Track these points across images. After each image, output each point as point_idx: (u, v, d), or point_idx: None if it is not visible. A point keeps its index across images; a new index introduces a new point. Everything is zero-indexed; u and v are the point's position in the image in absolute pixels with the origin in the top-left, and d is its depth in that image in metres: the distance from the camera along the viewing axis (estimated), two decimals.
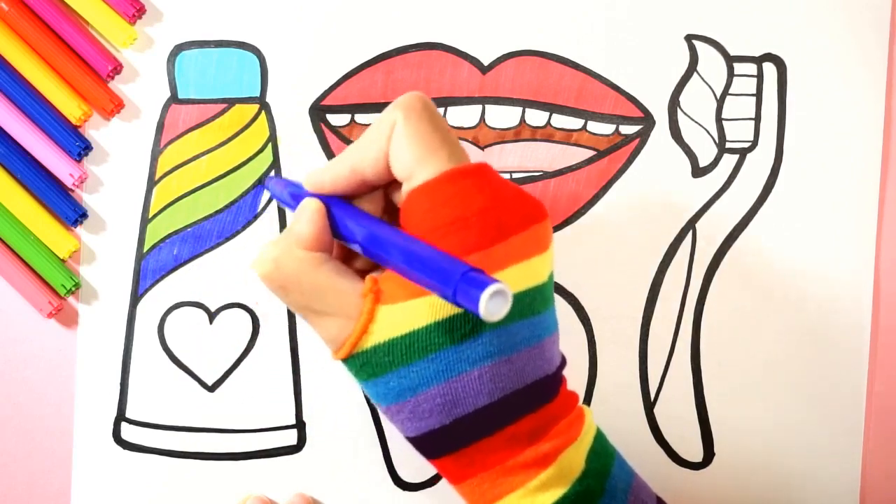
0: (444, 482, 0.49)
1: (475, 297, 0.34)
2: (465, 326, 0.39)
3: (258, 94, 0.53)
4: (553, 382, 0.41)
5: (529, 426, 0.40)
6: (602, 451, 0.42)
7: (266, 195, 0.53)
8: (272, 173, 0.53)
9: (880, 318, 0.55)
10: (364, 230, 0.40)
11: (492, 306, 0.34)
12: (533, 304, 0.40)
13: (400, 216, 0.41)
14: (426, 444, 0.41)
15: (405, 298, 0.39)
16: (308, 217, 0.41)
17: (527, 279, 0.40)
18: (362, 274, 0.42)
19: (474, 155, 0.53)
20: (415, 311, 0.39)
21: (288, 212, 0.53)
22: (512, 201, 0.40)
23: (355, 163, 0.41)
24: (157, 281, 0.53)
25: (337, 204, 0.42)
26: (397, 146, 0.40)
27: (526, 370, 0.40)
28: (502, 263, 0.39)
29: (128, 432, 0.54)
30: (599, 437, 0.43)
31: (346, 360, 0.41)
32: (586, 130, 0.54)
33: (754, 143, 0.54)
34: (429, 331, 0.39)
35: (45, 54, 0.52)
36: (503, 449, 0.40)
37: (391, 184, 0.42)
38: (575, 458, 0.41)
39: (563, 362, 0.43)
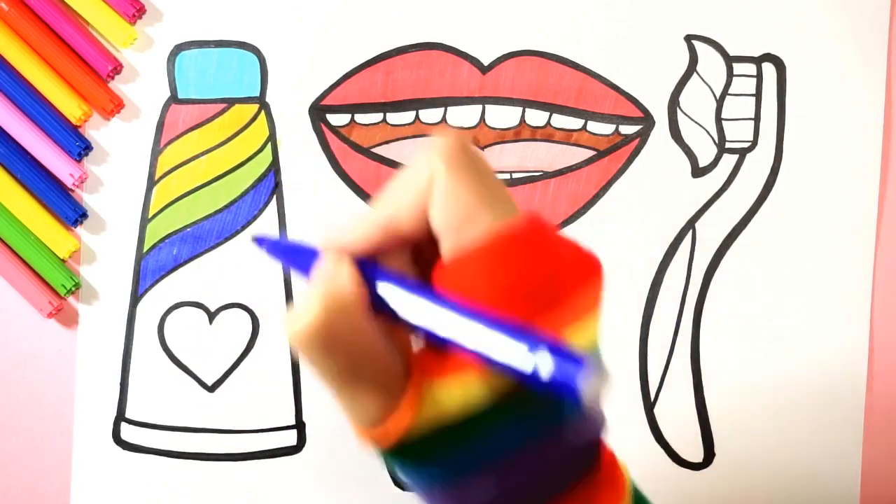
0: None
1: (572, 376, 0.30)
2: (521, 405, 0.34)
3: (258, 94, 0.53)
4: (598, 446, 0.37)
5: (578, 498, 0.36)
6: None
7: (266, 195, 0.53)
8: (271, 174, 0.53)
9: (880, 317, 0.55)
10: (408, 301, 0.34)
11: (590, 385, 0.31)
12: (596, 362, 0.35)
13: (438, 275, 0.35)
14: None
15: (456, 371, 0.34)
16: (345, 273, 0.34)
17: (587, 340, 0.36)
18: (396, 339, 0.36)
19: None
20: (468, 390, 0.33)
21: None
22: (569, 261, 0.36)
23: (389, 219, 0.36)
24: (157, 281, 0.53)
25: (364, 265, 0.36)
26: (442, 202, 0.34)
27: (573, 440, 0.35)
28: (561, 327, 0.34)
29: (128, 432, 0.53)
30: (637, 498, 0.39)
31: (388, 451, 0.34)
32: (586, 130, 0.54)
33: (754, 143, 0.54)
34: (483, 415, 0.33)
35: (45, 54, 0.52)
36: None
37: (424, 237, 0.36)
38: None
39: (604, 422, 0.38)
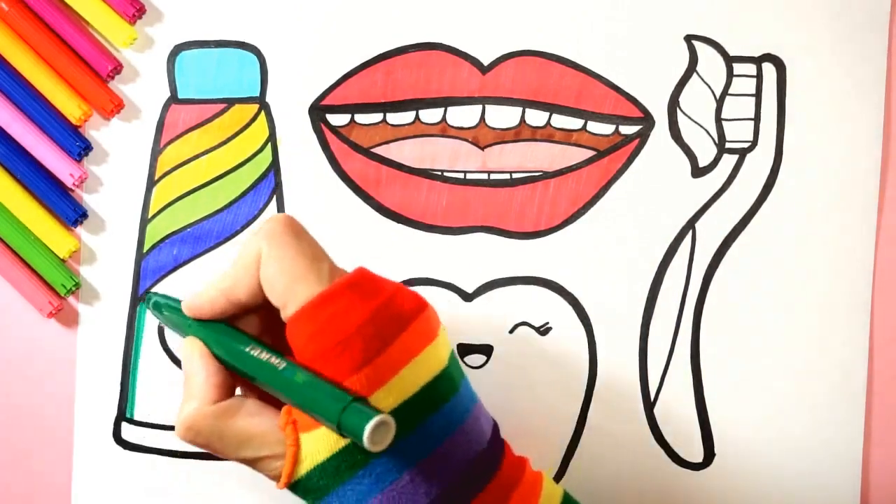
0: None
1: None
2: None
3: (258, 94, 0.53)
4: (490, 455, 0.41)
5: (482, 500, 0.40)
6: None
7: (266, 195, 0.53)
8: (271, 174, 0.53)
9: (880, 317, 0.55)
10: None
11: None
12: (439, 394, 0.40)
13: (287, 339, 0.41)
14: None
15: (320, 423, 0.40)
16: (199, 368, 0.42)
17: (424, 373, 0.40)
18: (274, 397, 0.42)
19: (475, 155, 0.54)
20: (330, 433, 0.39)
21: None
22: (386, 307, 0.40)
23: (227, 291, 0.42)
24: (157, 281, 0.53)
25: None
26: (266, 277, 0.41)
27: (456, 457, 0.40)
28: (394, 369, 0.39)
29: (128, 432, 0.53)
30: (567, 501, 0.43)
31: (290, 489, 0.41)
32: (586, 130, 0.54)
33: (754, 144, 0.54)
34: (349, 450, 0.39)
35: (45, 54, 0.52)
36: None
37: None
38: None
39: (496, 429, 0.43)
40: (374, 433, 0.36)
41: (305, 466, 0.40)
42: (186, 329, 0.44)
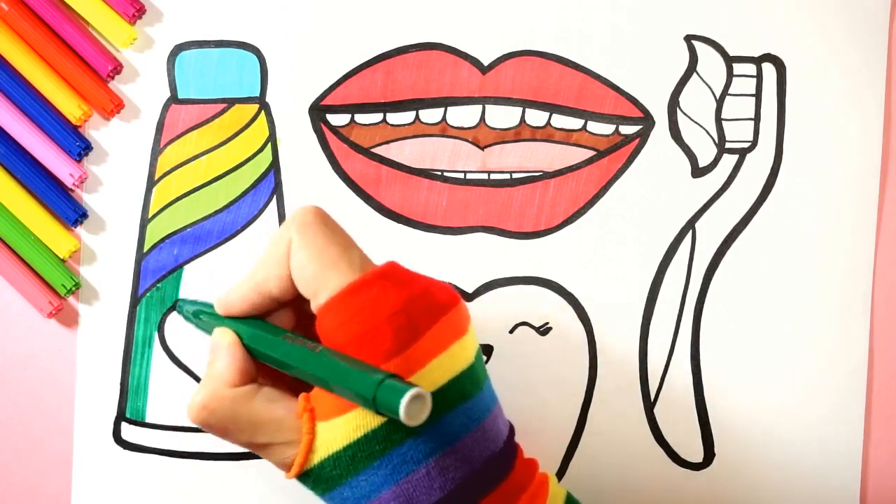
0: None
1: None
2: (402, 429, 0.39)
3: (258, 94, 0.53)
4: (504, 457, 0.41)
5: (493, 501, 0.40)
6: None
7: (266, 195, 0.53)
8: (271, 174, 0.53)
9: (880, 317, 0.55)
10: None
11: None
12: (463, 390, 0.40)
13: (315, 330, 0.41)
14: None
15: (340, 412, 0.39)
16: (225, 353, 0.42)
17: (451, 368, 0.40)
18: (294, 390, 0.42)
19: (475, 155, 0.54)
20: (351, 422, 0.39)
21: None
22: (420, 298, 0.40)
23: (259, 285, 0.42)
24: (158, 281, 0.53)
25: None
26: (296, 266, 0.41)
27: (473, 455, 0.40)
28: (422, 361, 0.39)
29: (128, 432, 0.53)
30: (569, 502, 0.43)
31: (300, 479, 0.41)
32: (586, 130, 0.54)
33: (754, 144, 0.54)
34: (367, 439, 0.39)
35: (45, 54, 0.52)
36: None
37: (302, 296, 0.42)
38: None
39: (512, 431, 0.43)
40: (410, 406, 0.35)
41: (319, 455, 0.40)
42: (218, 326, 0.44)
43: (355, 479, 0.40)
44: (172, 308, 0.53)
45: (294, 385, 0.42)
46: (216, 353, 0.42)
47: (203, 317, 0.46)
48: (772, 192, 0.55)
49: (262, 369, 0.43)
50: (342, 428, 0.39)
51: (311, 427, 0.40)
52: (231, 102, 0.53)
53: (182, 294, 0.53)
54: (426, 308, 0.40)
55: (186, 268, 0.53)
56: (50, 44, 0.52)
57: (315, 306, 0.41)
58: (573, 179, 0.54)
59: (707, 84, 0.54)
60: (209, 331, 0.45)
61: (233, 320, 0.43)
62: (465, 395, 0.40)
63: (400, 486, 0.39)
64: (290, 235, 0.41)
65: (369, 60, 0.53)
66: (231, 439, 0.41)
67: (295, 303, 0.43)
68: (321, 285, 0.40)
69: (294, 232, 0.41)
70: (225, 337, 0.43)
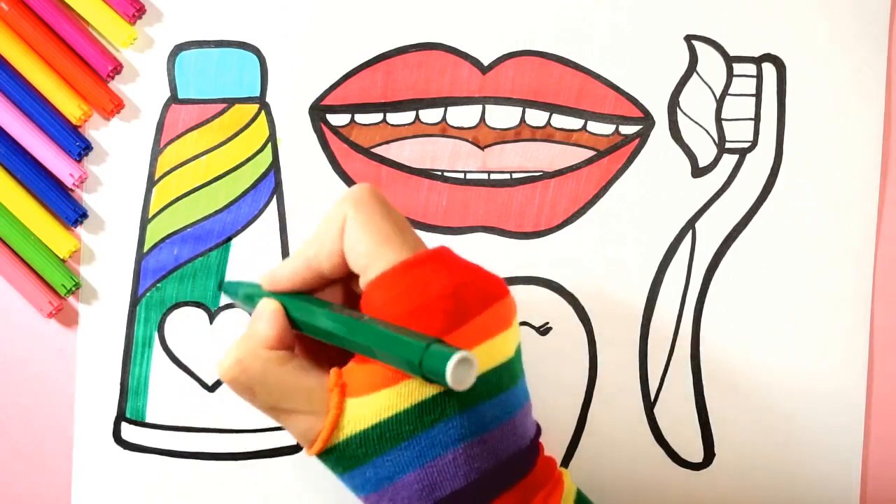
0: None
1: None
2: (434, 412, 0.39)
3: (258, 94, 0.53)
4: (529, 455, 0.41)
5: (509, 502, 0.40)
6: None
7: (266, 195, 0.53)
8: (271, 174, 0.53)
9: (880, 317, 0.55)
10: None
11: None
12: (500, 382, 0.40)
13: (361, 306, 0.41)
14: None
15: (372, 389, 0.39)
16: (267, 317, 0.42)
17: (492, 358, 0.40)
18: (327, 368, 0.42)
19: (475, 155, 0.54)
20: (382, 401, 0.39)
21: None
22: (471, 284, 0.40)
23: (311, 260, 0.42)
24: (158, 281, 0.53)
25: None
26: (350, 241, 0.40)
27: (500, 447, 0.40)
28: (466, 346, 0.39)
29: (128, 432, 0.54)
30: (580, 500, 0.43)
31: (320, 456, 0.41)
32: (586, 130, 0.54)
33: (754, 144, 0.54)
34: (398, 419, 0.39)
35: (45, 54, 0.52)
36: None
37: (351, 274, 0.42)
38: None
39: (538, 431, 0.43)
40: (457, 370, 0.35)
41: (345, 433, 0.39)
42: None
43: (380, 459, 0.39)
44: (176, 306, 0.53)
45: (329, 364, 0.42)
46: (258, 318, 0.42)
47: (248, 295, 0.45)
48: (772, 192, 0.55)
49: (300, 344, 0.43)
50: (372, 406, 0.39)
51: (339, 402, 0.39)
52: (231, 102, 0.53)
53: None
54: (476, 295, 0.40)
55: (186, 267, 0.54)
56: (50, 44, 0.52)
57: (364, 282, 0.40)
58: (573, 179, 0.54)
59: (707, 84, 0.54)
60: (252, 308, 0.44)
61: (279, 295, 0.43)
62: (502, 386, 0.40)
63: (425, 469, 0.39)
64: (345, 211, 0.41)
65: (369, 60, 0.53)
66: (256, 402, 0.41)
67: (342, 281, 0.43)
68: (373, 260, 0.40)
69: (350, 208, 0.41)
70: (270, 304, 0.42)
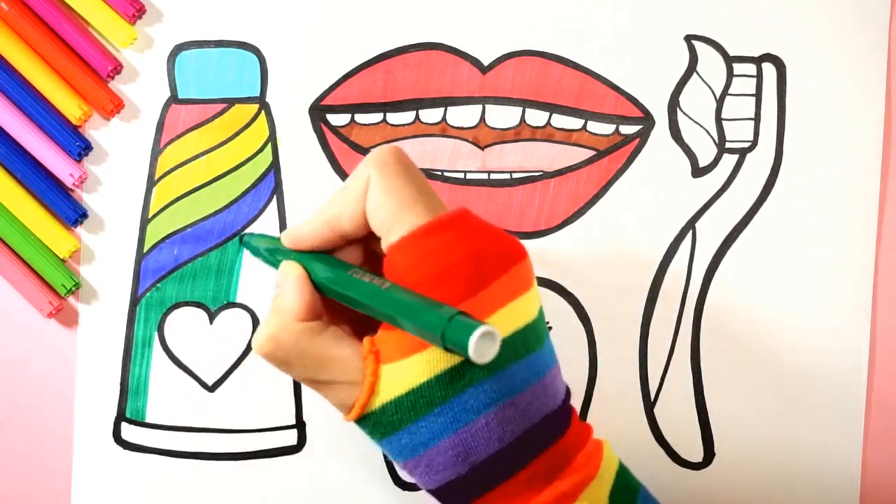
0: None
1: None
2: (464, 377, 0.39)
3: (258, 94, 0.53)
4: (562, 415, 0.41)
5: (545, 465, 0.40)
6: (626, 486, 0.42)
7: (266, 195, 0.53)
8: (271, 174, 0.53)
9: (880, 317, 0.55)
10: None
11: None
12: (527, 343, 0.40)
13: (383, 269, 0.41)
14: (447, 495, 0.41)
15: (403, 356, 0.39)
16: (293, 286, 0.42)
17: (516, 320, 0.40)
18: (356, 331, 0.42)
19: (475, 155, 0.54)
20: (413, 367, 0.39)
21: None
22: (491, 246, 0.40)
23: (332, 220, 0.42)
24: (158, 281, 0.53)
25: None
26: (373, 203, 0.40)
27: (532, 409, 0.40)
28: (489, 309, 0.39)
29: (128, 432, 0.54)
30: (622, 472, 0.43)
31: (358, 422, 0.41)
32: (586, 130, 0.54)
33: (754, 143, 0.54)
34: (429, 385, 0.39)
35: (45, 54, 0.52)
36: (523, 492, 0.40)
37: (372, 234, 0.42)
38: (599, 496, 0.41)
39: (568, 393, 0.43)
40: (480, 344, 0.35)
41: (381, 399, 0.40)
42: (286, 259, 0.44)
43: (415, 426, 0.40)
44: (176, 306, 0.53)
45: (355, 327, 0.42)
46: (284, 286, 0.42)
47: (269, 250, 0.45)
48: (772, 192, 0.55)
49: (326, 307, 0.43)
50: (405, 373, 0.39)
51: (374, 369, 0.40)
52: (231, 102, 0.53)
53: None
54: (496, 257, 0.40)
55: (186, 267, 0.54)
56: (50, 44, 0.52)
57: (386, 245, 0.40)
58: (573, 179, 0.54)
59: (707, 84, 0.54)
60: (275, 264, 0.45)
61: (300, 254, 0.43)
62: (529, 348, 0.40)
63: (459, 434, 0.39)
64: (369, 173, 0.41)
65: (369, 60, 0.53)
66: (293, 373, 0.41)
67: (363, 241, 0.43)
68: (396, 223, 0.40)
69: (374, 170, 0.41)
70: (293, 270, 0.42)
